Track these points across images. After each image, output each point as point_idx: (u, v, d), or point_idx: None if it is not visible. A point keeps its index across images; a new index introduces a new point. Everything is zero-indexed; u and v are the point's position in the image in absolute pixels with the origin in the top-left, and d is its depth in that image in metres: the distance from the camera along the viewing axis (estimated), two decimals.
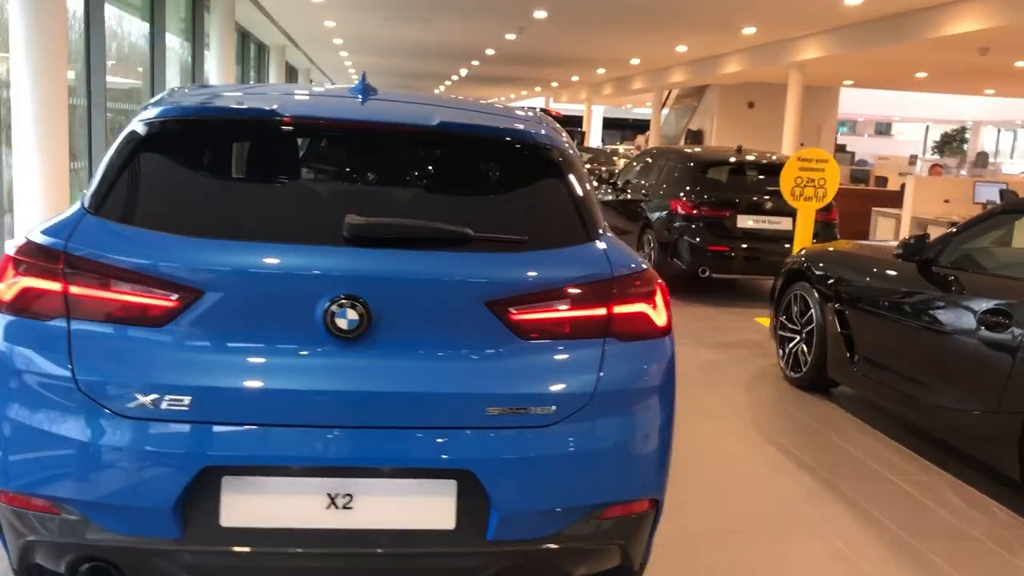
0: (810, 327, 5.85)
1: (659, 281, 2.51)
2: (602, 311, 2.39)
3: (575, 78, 28.57)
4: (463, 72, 27.90)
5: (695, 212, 9.26)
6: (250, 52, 18.35)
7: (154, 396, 2.15)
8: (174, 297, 2.19)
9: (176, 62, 12.69)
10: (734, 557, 3.47)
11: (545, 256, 2.39)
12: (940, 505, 4.11)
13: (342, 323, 2.20)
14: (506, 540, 2.28)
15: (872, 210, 13.28)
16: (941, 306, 4.60)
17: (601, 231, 2.54)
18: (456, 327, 2.29)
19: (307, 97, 2.80)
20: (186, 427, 2.16)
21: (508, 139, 2.60)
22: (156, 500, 2.15)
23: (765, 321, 8.40)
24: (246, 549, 2.21)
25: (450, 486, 2.25)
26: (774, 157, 10.28)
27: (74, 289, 2.22)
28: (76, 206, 2.43)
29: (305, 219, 2.38)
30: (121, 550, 2.21)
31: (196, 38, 13.33)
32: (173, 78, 12.18)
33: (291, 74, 25.65)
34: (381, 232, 2.28)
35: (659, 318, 2.47)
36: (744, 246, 9.28)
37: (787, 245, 9.29)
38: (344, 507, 2.23)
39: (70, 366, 2.18)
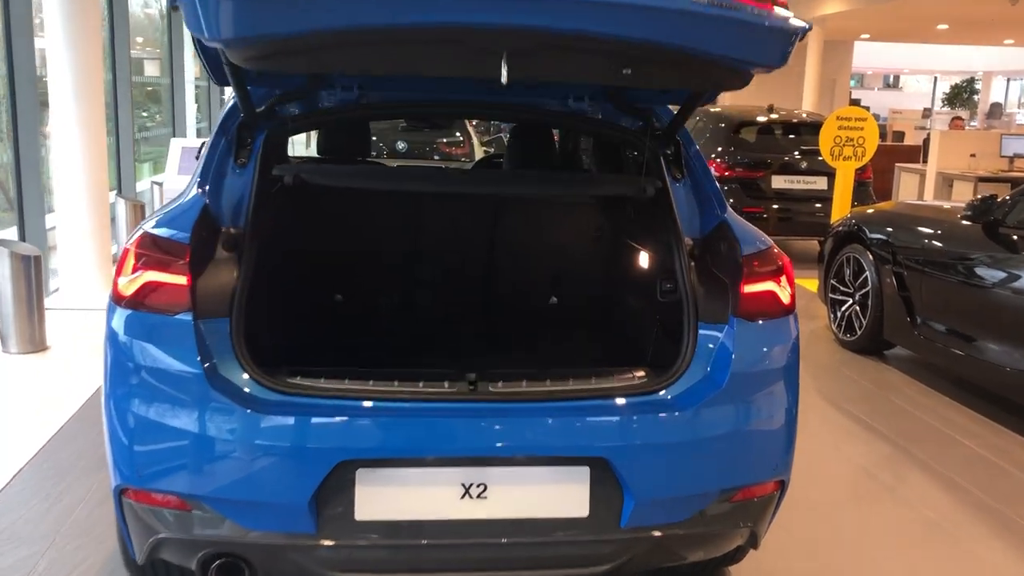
0: (864, 290, 5.80)
1: (785, 258, 2.46)
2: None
3: None
4: None
5: (728, 173, 9.16)
6: None
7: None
8: None
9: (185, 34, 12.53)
10: (830, 529, 3.45)
11: None
12: (1019, 468, 4.09)
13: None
14: (640, 527, 2.25)
15: (895, 166, 13.11)
16: (1013, 267, 4.53)
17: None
18: None
19: None
20: (322, 420, 2.13)
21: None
22: (292, 496, 2.12)
23: (804, 283, 8.33)
24: (381, 542, 2.18)
25: (583, 473, 2.22)
26: (805, 115, 10.16)
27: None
28: (192, 194, 2.37)
29: None
30: (255, 546, 2.18)
31: None
32: (188, 49, 12.03)
33: None
34: None
35: (785, 296, 2.42)
36: (777, 207, 9.19)
37: (818, 205, 9.22)
38: (478, 497, 2.19)
39: (199, 360, 2.13)
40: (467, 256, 3.35)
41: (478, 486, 2.19)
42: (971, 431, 4.55)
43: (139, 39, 12.03)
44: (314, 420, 2.13)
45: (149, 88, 12.13)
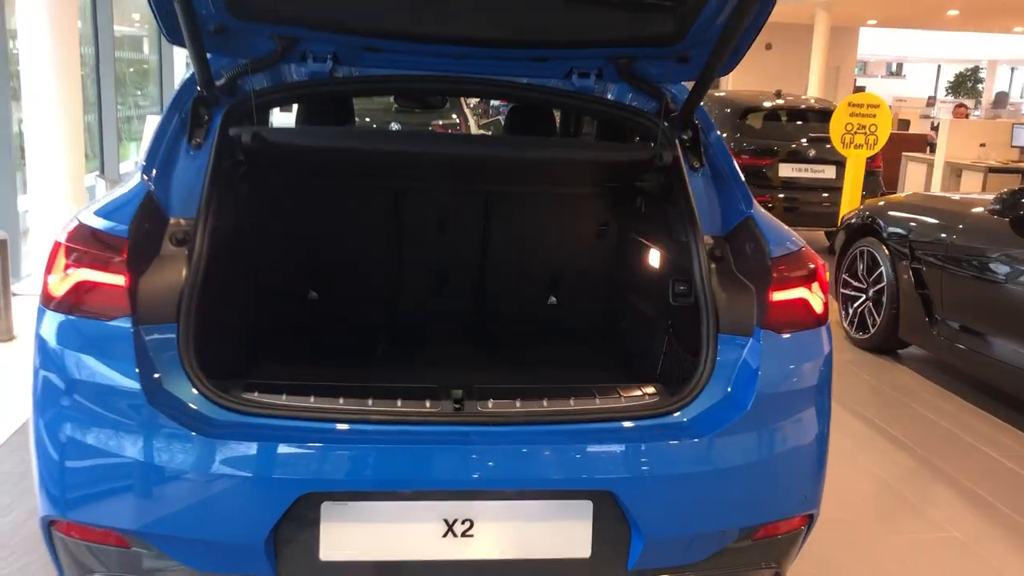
0: (879, 286, 5.50)
1: (818, 261, 2.15)
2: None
3: None
4: None
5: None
6: None
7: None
8: None
9: None
10: (848, 551, 3.15)
11: None
12: None
13: None
14: (649, 569, 1.96)
15: (902, 155, 12.78)
16: None
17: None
18: None
19: None
20: (282, 445, 1.82)
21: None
22: (246, 533, 1.82)
23: None
24: None
25: (585, 508, 1.92)
26: (814, 101, 9.84)
27: None
28: (135, 181, 2.06)
29: None
30: None
31: None
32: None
33: None
34: None
35: (818, 304, 2.12)
36: (783, 196, 8.88)
37: (825, 195, 8.92)
38: (464, 535, 1.90)
39: (138, 373, 1.83)
40: (456, 251, 3.03)
41: (463, 522, 1.90)
42: (997, 441, 4.26)
43: (136, 16, 11.67)
44: (272, 445, 1.83)
45: (145, 66, 11.77)
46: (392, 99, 7.66)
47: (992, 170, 10.57)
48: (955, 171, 11.08)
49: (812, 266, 2.13)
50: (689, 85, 2.47)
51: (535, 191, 2.97)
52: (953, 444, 4.20)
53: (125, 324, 1.86)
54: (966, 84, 37.12)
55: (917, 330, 5.16)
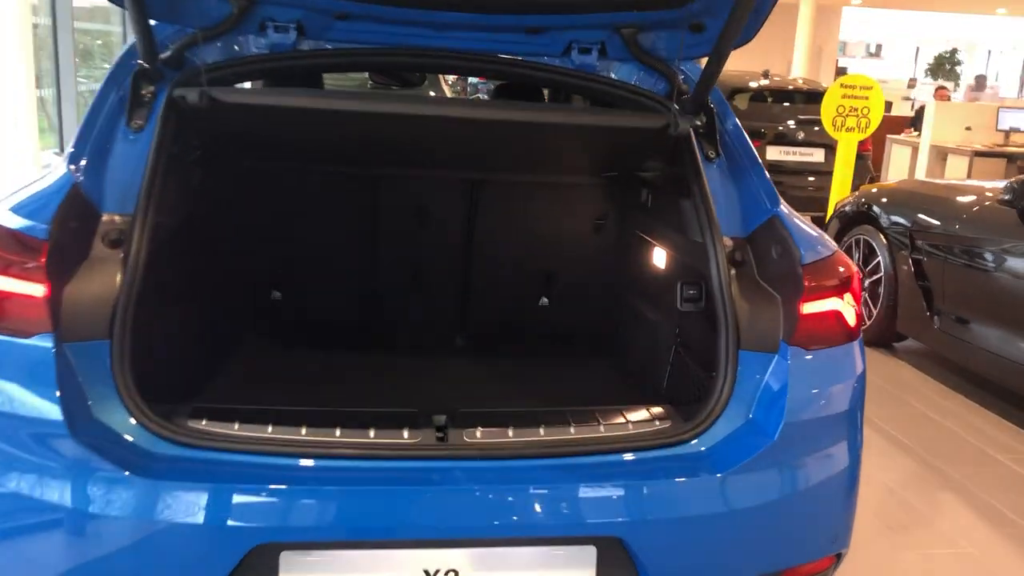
0: (876, 276, 5.28)
1: (852, 267, 1.89)
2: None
3: None
4: None
5: None
6: None
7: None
8: None
9: None
10: (854, 567, 2.92)
11: None
12: None
13: None
14: None
15: (887, 138, 12.59)
16: None
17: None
18: None
19: None
20: (235, 485, 1.55)
21: None
22: None
23: None
24: None
25: (588, 555, 1.67)
26: (802, 82, 9.61)
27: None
28: (59, 172, 1.76)
29: None
30: None
31: None
32: None
33: None
34: None
35: (852, 317, 1.86)
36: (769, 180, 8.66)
37: (811, 179, 8.72)
38: None
39: (61, 401, 1.54)
40: (438, 248, 2.74)
41: (447, 574, 1.63)
42: (1003, 443, 4.06)
43: None
44: (222, 485, 1.56)
45: (113, 38, 11.35)
46: (368, 76, 7.35)
47: (978, 154, 10.43)
48: (940, 154, 10.92)
49: (846, 273, 1.87)
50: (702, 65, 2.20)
51: (525, 179, 2.68)
52: (958, 446, 3.99)
53: (45, 342, 1.57)
54: (944, 66, 37.03)
55: (916, 323, 4.95)
